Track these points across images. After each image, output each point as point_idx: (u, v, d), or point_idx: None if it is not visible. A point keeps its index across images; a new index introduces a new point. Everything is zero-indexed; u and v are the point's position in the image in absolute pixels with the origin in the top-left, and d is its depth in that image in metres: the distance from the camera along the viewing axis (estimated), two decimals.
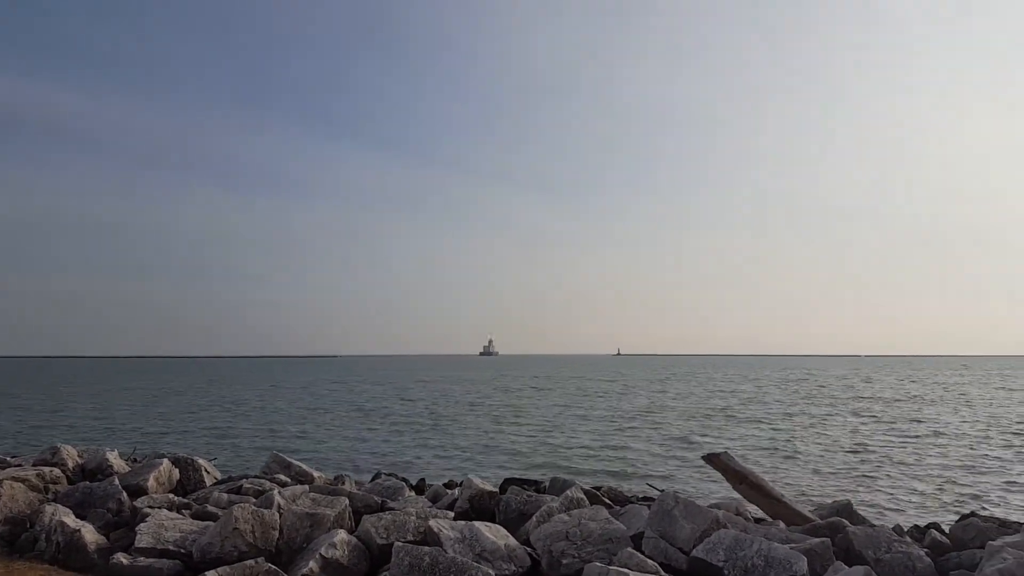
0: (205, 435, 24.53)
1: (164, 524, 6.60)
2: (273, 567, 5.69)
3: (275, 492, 7.23)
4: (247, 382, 70.59)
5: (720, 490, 12.80)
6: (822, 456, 18.41)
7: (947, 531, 7.53)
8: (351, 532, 6.52)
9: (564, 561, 5.90)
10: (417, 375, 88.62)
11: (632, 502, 8.93)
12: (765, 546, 5.52)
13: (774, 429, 24.60)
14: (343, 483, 9.83)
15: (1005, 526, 6.98)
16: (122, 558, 6.05)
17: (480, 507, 7.67)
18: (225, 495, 8.22)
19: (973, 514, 8.10)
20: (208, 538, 6.19)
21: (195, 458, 9.82)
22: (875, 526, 7.12)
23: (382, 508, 7.57)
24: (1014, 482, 14.72)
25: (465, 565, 5.42)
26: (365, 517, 6.61)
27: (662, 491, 6.73)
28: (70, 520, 6.72)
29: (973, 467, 16.57)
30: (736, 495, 8.77)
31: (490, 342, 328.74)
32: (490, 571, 5.47)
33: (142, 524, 6.54)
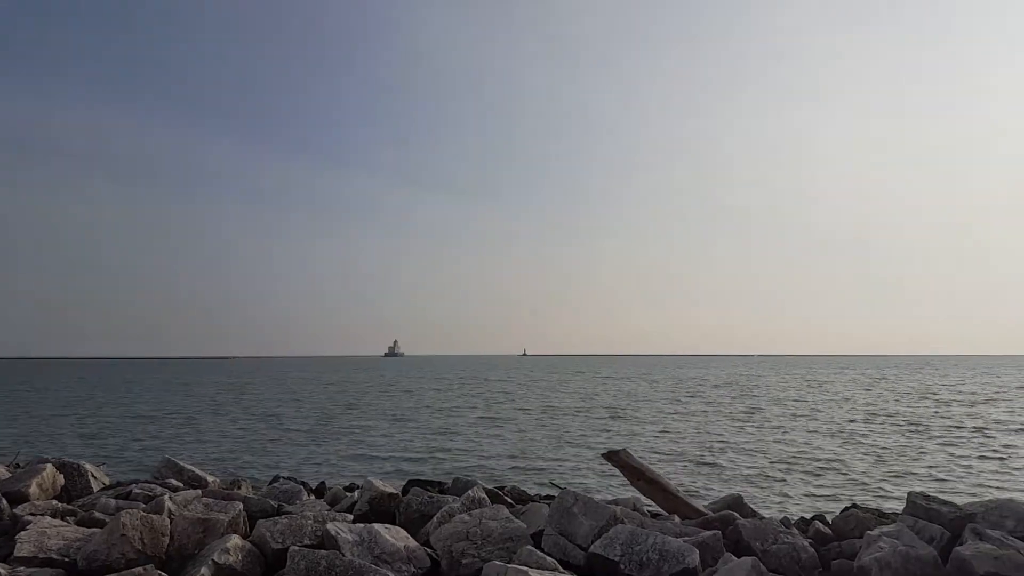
0: (92, 439, 23.30)
1: (47, 532, 6.23)
2: (162, 574, 5.49)
3: (166, 497, 7.06)
4: (144, 383, 67.26)
5: (618, 487, 13.13)
6: (711, 452, 19.29)
7: (831, 522, 8.02)
8: (245, 537, 6.34)
9: (464, 561, 5.89)
10: (320, 377, 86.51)
11: (534, 500, 9.04)
12: (660, 540, 5.72)
13: (663, 430, 25.38)
14: (239, 487, 9.46)
15: (883, 516, 7.52)
16: (0, 568, 5.67)
17: (380, 509, 7.56)
18: (113, 501, 7.83)
19: (854, 506, 8.69)
20: (94, 545, 5.91)
21: (81, 463, 9.23)
22: (764, 518, 7.50)
23: (278, 512, 7.36)
24: (896, 473, 15.92)
25: (363, 568, 5.33)
26: (260, 521, 6.44)
27: (563, 489, 6.84)
28: None
29: (857, 460, 17.78)
30: (634, 491, 9.03)
31: (395, 343, 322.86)
32: (389, 573, 5.41)
33: (22, 532, 6.16)
